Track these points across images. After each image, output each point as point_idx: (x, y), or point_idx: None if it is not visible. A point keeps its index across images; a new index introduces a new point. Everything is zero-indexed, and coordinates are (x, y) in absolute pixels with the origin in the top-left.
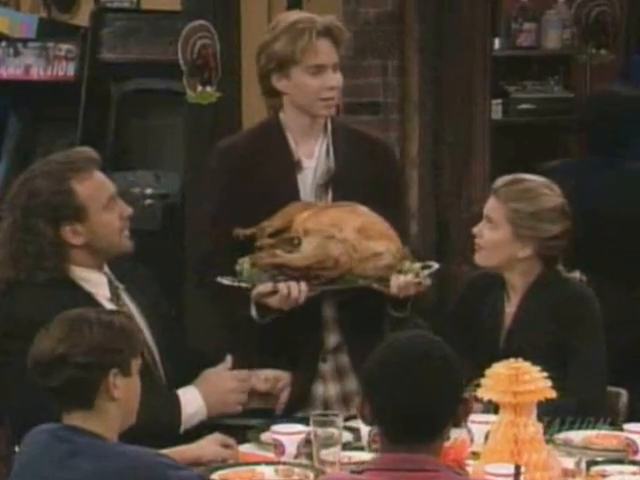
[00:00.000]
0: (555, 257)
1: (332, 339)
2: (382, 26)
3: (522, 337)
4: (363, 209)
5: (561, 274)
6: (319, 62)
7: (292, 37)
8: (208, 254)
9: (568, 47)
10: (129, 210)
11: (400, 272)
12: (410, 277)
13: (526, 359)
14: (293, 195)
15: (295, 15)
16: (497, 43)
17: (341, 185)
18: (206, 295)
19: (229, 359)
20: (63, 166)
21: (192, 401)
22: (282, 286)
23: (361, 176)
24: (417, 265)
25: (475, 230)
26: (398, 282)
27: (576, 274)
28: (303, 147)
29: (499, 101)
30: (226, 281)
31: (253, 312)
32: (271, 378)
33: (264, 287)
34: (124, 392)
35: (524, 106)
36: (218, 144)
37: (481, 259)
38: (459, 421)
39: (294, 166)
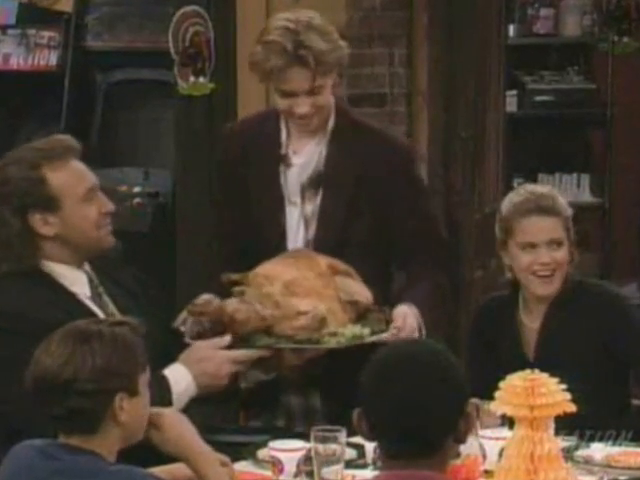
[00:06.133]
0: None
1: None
2: (388, 12)
3: (558, 345)
4: (312, 262)
5: (581, 278)
6: (288, 89)
7: (266, 54)
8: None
9: (588, 34)
10: (110, 206)
11: (333, 335)
12: (338, 340)
13: (563, 367)
14: (276, 191)
15: (276, 25)
16: (512, 30)
17: (329, 187)
18: None
19: (227, 338)
20: (37, 153)
21: (180, 379)
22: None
23: (360, 181)
24: (358, 329)
25: (546, 259)
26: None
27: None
28: (296, 142)
29: (514, 93)
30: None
31: None
32: None
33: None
34: (131, 414)
35: (541, 98)
36: (223, 128)
37: (556, 285)
38: (462, 437)
39: (279, 160)
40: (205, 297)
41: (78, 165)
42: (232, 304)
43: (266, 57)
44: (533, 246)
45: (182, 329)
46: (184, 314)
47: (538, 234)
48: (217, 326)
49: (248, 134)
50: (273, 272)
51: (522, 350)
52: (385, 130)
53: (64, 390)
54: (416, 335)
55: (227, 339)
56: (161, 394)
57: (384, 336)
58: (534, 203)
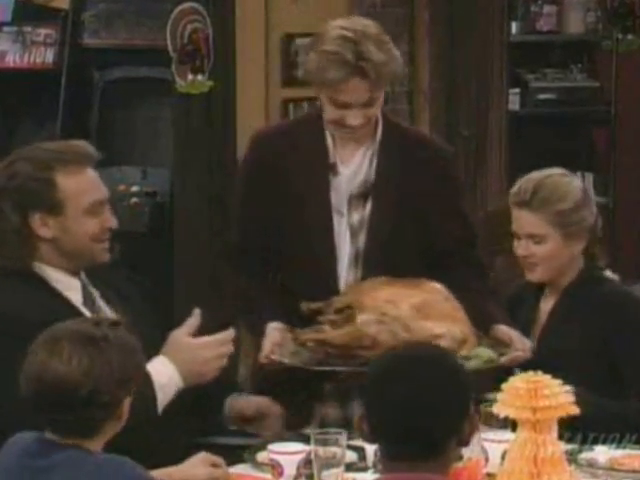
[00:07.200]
0: (594, 245)
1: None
2: (389, 9)
3: (559, 334)
4: (433, 286)
5: (603, 273)
6: (344, 100)
7: (324, 65)
8: (235, 248)
9: (592, 32)
10: (114, 222)
11: (467, 359)
12: (476, 363)
13: (561, 358)
14: (323, 201)
15: (333, 34)
16: (514, 27)
17: (378, 197)
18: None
19: (197, 313)
20: (51, 154)
21: (161, 370)
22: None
23: (405, 188)
24: (489, 352)
25: (522, 252)
26: None
27: (607, 272)
28: (342, 150)
29: (517, 91)
30: (273, 357)
31: None
32: (263, 406)
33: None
34: (127, 410)
35: (544, 96)
36: (254, 132)
37: (539, 275)
38: (465, 440)
39: (328, 169)
40: (278, 333)
41: (92, 175)
42: (371, 325)
43: (324, 67)
44: (517, 236)
45: (278, 359)
46: (273, 345)
47: (517, 226)
48: (344, 350)
49: (284, 139)
50: (396, 295)
51: (532, 331)
52: (424, 133)
53: (85, 401)
54: (530, 355)
55: (197, 314)
56: (144, 389)
57: (507, 358)
58: (517, 196)
